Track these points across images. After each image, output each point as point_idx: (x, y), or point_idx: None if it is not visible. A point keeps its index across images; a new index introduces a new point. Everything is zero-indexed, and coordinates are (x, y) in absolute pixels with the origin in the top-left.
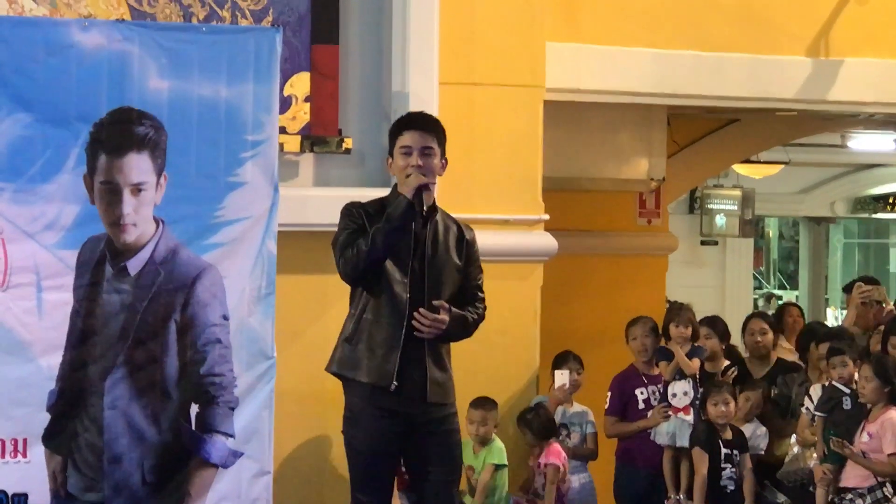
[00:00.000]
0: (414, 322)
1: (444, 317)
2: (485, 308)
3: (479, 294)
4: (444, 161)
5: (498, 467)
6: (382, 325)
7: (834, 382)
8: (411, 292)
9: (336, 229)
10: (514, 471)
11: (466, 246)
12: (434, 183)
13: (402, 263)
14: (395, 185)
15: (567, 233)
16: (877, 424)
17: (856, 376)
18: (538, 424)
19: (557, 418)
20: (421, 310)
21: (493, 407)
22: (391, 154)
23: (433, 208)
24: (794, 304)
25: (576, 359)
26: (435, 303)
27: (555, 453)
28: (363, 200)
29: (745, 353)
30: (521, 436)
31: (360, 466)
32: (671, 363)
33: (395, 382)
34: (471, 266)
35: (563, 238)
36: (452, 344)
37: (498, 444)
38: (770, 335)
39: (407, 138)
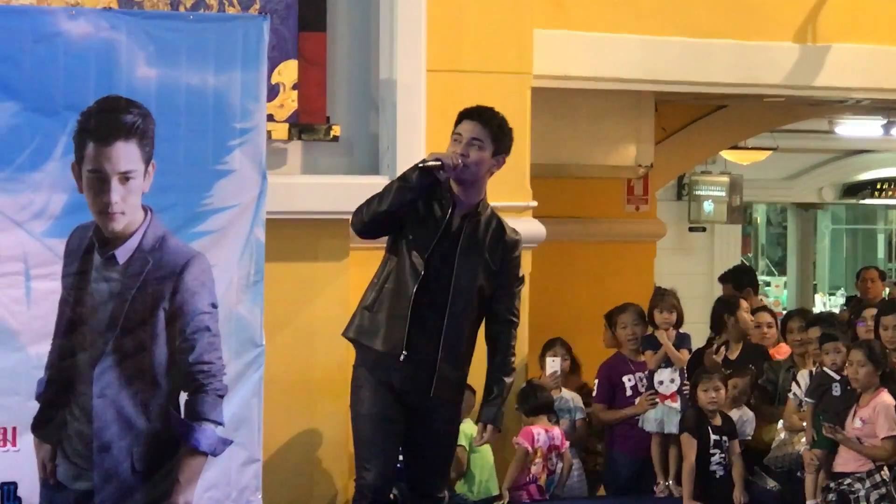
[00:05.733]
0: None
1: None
2: (515, 337)
3: (511, 318)
4: (500, 159)
5: (469, 450)
6: (401, 296)
7: (825, 368)
8: (427, 273)
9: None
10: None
11: (503, 247)
12: (477, 174)
13: (424, 244)
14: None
15: (555, 219)
16: (869, 409)
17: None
18: (524, 400)
19: None
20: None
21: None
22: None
23: (465, 205)
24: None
25: (563, 345)
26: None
27: (525, 434)
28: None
29: None
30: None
31: (365, 432)
32: (657, 353)
33: (405, 352)
34: (504, 274)
35: (551, 225)
36: None
37: (467, 427)
38: (775, 329)
39: (462, 126)
